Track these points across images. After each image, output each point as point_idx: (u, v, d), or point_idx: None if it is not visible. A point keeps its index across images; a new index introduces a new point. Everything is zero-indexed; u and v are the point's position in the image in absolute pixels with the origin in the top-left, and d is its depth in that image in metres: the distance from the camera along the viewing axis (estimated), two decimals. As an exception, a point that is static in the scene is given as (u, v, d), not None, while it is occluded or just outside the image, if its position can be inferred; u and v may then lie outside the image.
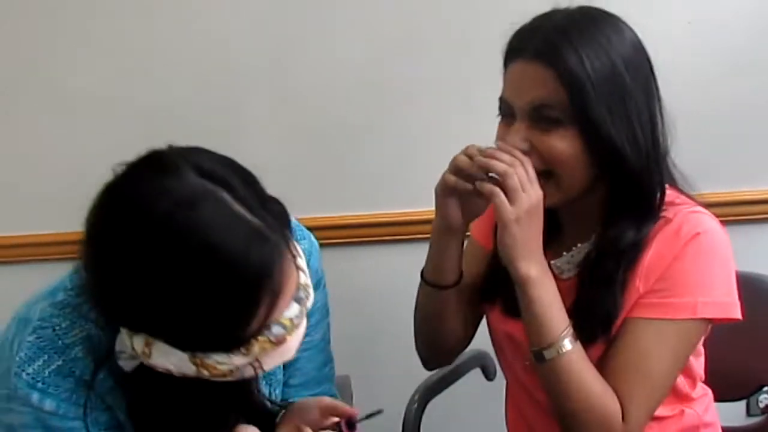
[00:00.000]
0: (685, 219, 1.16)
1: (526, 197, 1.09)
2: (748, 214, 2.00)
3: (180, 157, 0.90)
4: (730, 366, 1.54)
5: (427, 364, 1.45)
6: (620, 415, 1.13)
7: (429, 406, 1.61)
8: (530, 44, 1.12)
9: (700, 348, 1.29)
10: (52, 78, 1.92)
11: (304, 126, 1.96)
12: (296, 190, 1.98)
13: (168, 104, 1.90)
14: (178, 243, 0.84)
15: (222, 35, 1.91)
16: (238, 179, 0.90)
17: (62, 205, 1.83)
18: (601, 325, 1.17)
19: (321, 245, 2.01)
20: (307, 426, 1.07)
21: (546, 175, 1.13)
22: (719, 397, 1.52)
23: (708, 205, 2.06)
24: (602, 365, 1.17)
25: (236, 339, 0.89)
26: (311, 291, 0.97)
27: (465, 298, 1.32)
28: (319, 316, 1.23)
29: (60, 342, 0.98)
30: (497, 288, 1.28)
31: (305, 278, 0.96)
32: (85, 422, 0.99)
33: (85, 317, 0.99)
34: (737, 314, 1.17)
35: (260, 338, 0.90)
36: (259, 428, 1.10)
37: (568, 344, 1.12)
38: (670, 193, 1.20)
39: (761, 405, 1.99)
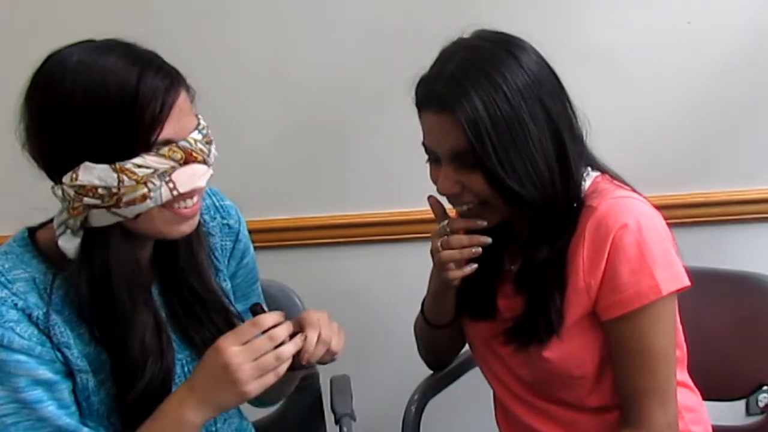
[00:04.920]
0: (609, 208, 1.20)
1: None
2: (747, 213, 2.00)
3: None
4: (730, 365, 1.54)
5: (431, 368, 1.59)
6: None
7: (429, 406, 1.61)
8: (433, 95, 1.17)
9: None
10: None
11: (299, 127, 1.96)
12: (293, 190, 2.02)
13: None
14: (73, 71, 1.01)
15: (221, 35, 1.91)
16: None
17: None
18: (546, 327, 1.22)
19: (318, 245, 2.03)
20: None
21: (482, 203, 1.21)
22: (719, 396, 1.52)
23: (707, 205, 2.07)
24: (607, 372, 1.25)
25: (145, 143, 1.01)
26: (211, 137, 1.09)
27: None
28: (255, 277, 1.36)
29: (3, 278, 1.05)
30: (464, 300, 1.36)
31: (204, 123, 1.09)
32: (30, 355, 1.04)
33: (27, 263, 1.08)
34: (688, 281, 1.21)
35: (171, 146, 1.02)
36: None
37: None
38: (597, 181, 1.25)
39: (761, 404, 2.00)
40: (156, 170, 1.02)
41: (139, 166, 1.01)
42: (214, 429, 1.23)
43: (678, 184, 1.97)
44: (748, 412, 2.03)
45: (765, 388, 1.54)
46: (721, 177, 1.99)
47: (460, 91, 1.13)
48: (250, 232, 1.92)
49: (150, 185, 1.02)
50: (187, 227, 1.10)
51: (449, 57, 1.19)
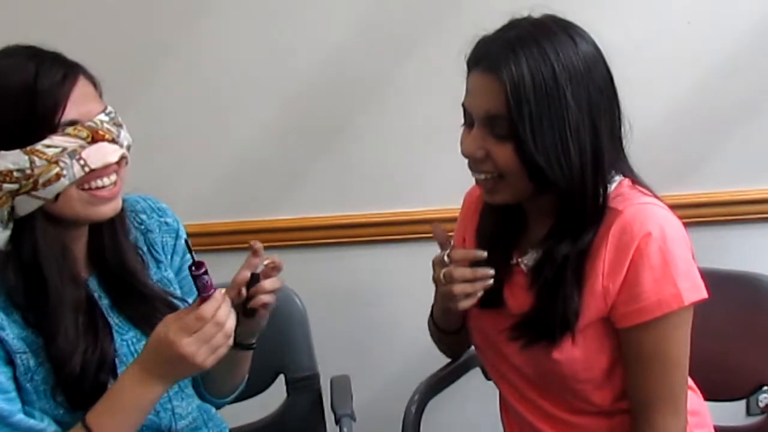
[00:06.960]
0: (634, 214, 1.19)
1: None
2: (747, 214, 2.00)
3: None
4: (730, 365, 1.54)
5: (448, 357, 1.60)
6: None
7: (429, 405, 1.61)
8: (486, 56, 1.18)
9: None
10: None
11: (303, 126, 1.96)
12: (294, 190, 2.02)
13: (168, 104, 1.91)
14: None
15: (220, 35, 1.91)
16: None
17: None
18: (561, 326, 1.22)
19: (319, 245, 2.03)
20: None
21: (499, 176, 1.20)
22: (719, 397, 1.52)
23: (708, 205, 2.06)
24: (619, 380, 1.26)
25: (50, 125, 1.09)
26: (121, 121, 1.16)
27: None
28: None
29: None
30: None
31: (111, 109, 1.16)
32: None
33: None
34: (706, 293, 1.21)
35: (76, 126, 1.10)
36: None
37: None
38: (621, 184, 1.24)
39: (761, 404, 2.00)
40: (65, 149, 1.09)
41: (48, 146, 1.08)
42: (169, 406, 1.26)
43: (678, 184, 1.97)
44: (749, 413, 2.03)
45: (765, 388, 1.54)
46: (722, 177, 1.99)
47: (511, 57, 1.14)
48: (252, 232, 1.95)
49: (61, 164, 1.08)
50: (108, 209, 1.15)
51: (512, 26, 1.20)
